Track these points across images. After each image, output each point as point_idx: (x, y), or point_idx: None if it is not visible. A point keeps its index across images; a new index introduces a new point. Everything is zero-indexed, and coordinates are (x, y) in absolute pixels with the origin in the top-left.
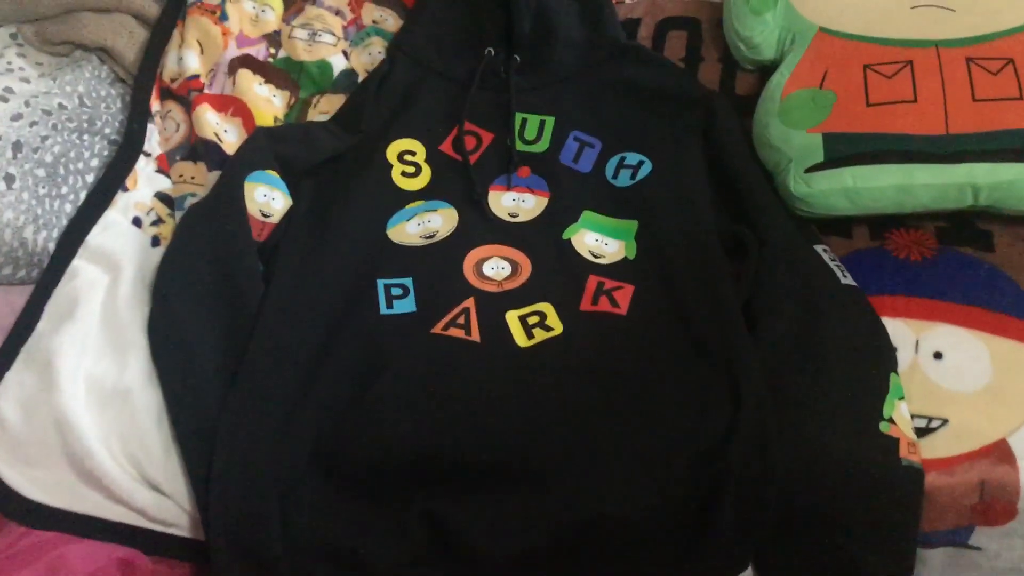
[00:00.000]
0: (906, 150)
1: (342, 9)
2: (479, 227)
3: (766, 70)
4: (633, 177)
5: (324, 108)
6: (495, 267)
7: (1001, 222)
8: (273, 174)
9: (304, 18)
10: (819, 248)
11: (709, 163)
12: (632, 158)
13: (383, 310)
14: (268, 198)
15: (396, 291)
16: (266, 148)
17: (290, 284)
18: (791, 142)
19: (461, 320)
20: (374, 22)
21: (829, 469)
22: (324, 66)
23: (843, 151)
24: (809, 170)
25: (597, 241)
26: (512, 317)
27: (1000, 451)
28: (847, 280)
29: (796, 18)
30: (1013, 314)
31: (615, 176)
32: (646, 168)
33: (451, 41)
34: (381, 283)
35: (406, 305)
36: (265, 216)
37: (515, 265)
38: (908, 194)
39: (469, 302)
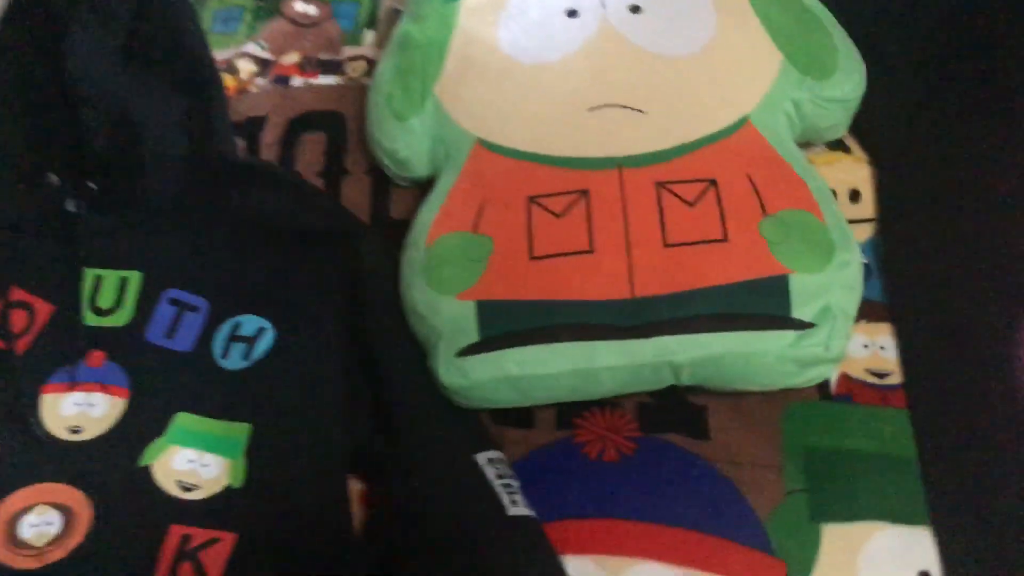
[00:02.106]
0: (582, 323)
1: None
2: (23, 455)
3: (429, 186)
4: (248, 355)
5: None
6: (38, 523)
7: (717, 395)
8: None
9: None
10: (484, 457)
11: (352, 330)
12: (249, 325)
13: None
14: None
15: None
16: None
17: None
18: (440, 312)
19: None
20: None
21: None
22: None
23: (502, 327)
24: (462, 353)
25: (191, 463)
26: None
27: None
28: (516, 509)
29: (449, 126)
30: (734, 538)
31: (225, 354)
32: (267, 339)
33: (1, 166)
34: None
35: None
36: None
37: (68, 517)
38: (590, 380)
39: None
